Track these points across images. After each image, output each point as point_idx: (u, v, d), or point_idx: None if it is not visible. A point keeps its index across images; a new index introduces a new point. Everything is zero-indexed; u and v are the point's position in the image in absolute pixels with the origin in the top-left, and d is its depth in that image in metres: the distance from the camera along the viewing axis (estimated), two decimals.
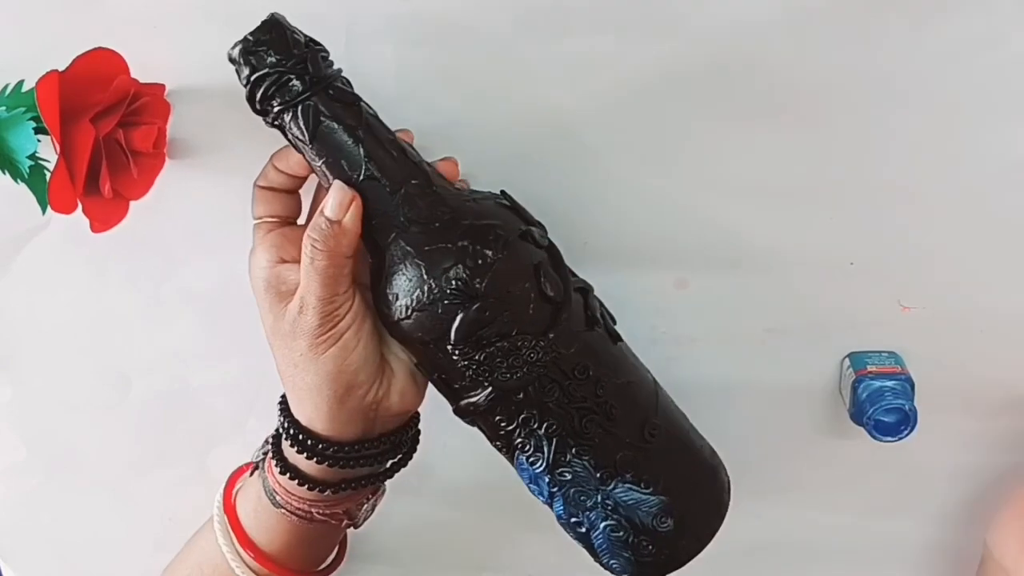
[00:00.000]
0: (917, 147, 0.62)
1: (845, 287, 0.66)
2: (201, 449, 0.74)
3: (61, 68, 0.57)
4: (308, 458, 0.59)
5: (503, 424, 0.57)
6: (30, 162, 0.58)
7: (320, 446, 0.59)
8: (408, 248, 0.55)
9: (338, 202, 0.55)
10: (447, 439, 0.70)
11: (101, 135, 0.57)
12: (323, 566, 0.68)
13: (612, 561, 0.58)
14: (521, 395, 0.56)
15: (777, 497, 0.72)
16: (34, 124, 0.57)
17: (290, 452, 0.60)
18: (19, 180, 0.58)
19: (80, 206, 0.58)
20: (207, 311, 0.70)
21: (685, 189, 0.64)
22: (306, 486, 0.60)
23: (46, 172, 0.58)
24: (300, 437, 0.59)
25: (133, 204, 0.64)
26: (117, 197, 0.60)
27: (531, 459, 0.57)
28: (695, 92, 0.62)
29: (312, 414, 0.58)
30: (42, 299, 0.70)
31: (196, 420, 0.73)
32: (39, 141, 0.58)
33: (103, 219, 0.60)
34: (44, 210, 0.57)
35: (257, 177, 0.60)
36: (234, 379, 0.72)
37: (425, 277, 0.54)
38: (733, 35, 0.60)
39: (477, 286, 0.54)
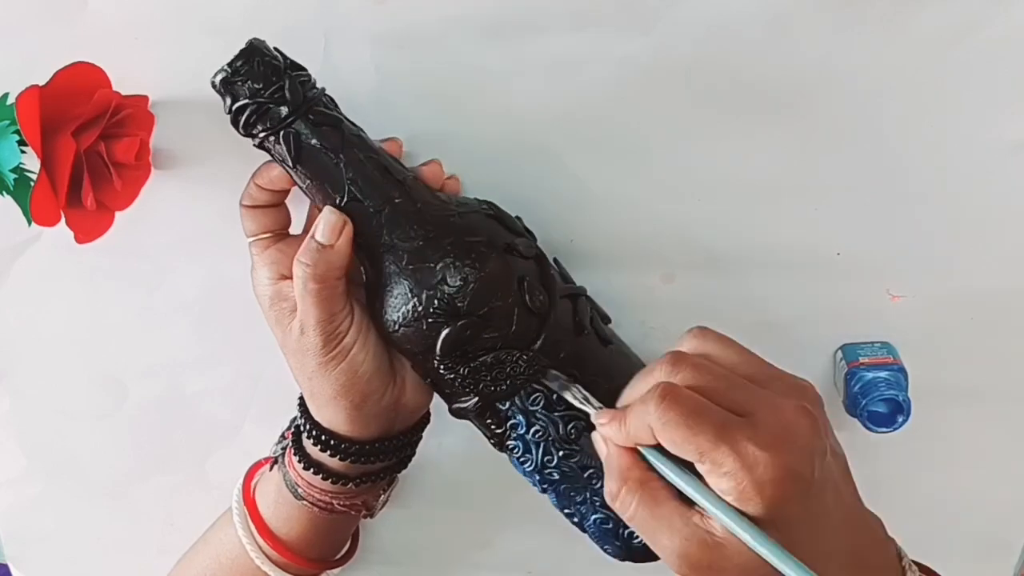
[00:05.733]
0: (898, 136, 0.62)
1: (833, 278, 0.66)
2: (199, 454, 0.74)
3: (43, 82, 0.57)
4: (331, 456, 0.60)
5: (493, 427, 0.59)
6: (14, 175, 0.58)
7: (343, 445, 0.60)
8: (394, 267, 0.56)
9: (330, 226, 0.56)
10: (442, 439, 0.71)
11: (82, 148, 0.58)
12: (339, 555, 0.70)
13: (606, 547, 0.60)
14: (507, 404, 0.57)
15: None
16: (18, 137, 0.58)
17: (312, 449, 0.61)
18: (4, 192, 0.59)
19: (63, 218, 0.58)
20: (199, 318, 0.70)
21: (669, 184, 0.64)
22: (329, 480, 0.62)
23: (31, 184, 0.58)
24: (323, 438, 0.60)
25: (123, 214, 0.65)
26: (101, 208, 0.61)
27: (520, 460, 0.59)
28: (675, 88, 0.62)
29: (333, 419, 0.60)
30: (37, 310, 0.71)
31: (193, 425, 0.74)
32: (24, 153, 0.59)
33: (87, 230, 0.61)
34: (29, 222, 0.58)
35: (241, 196, 0.60)
36: (229, 384, 0.72)
37: (409, 295, 0.56)
38: (710, 31, 0.60)
39: (459, 305, 0.55)
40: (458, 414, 0.59)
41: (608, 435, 0.50)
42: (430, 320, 0.55)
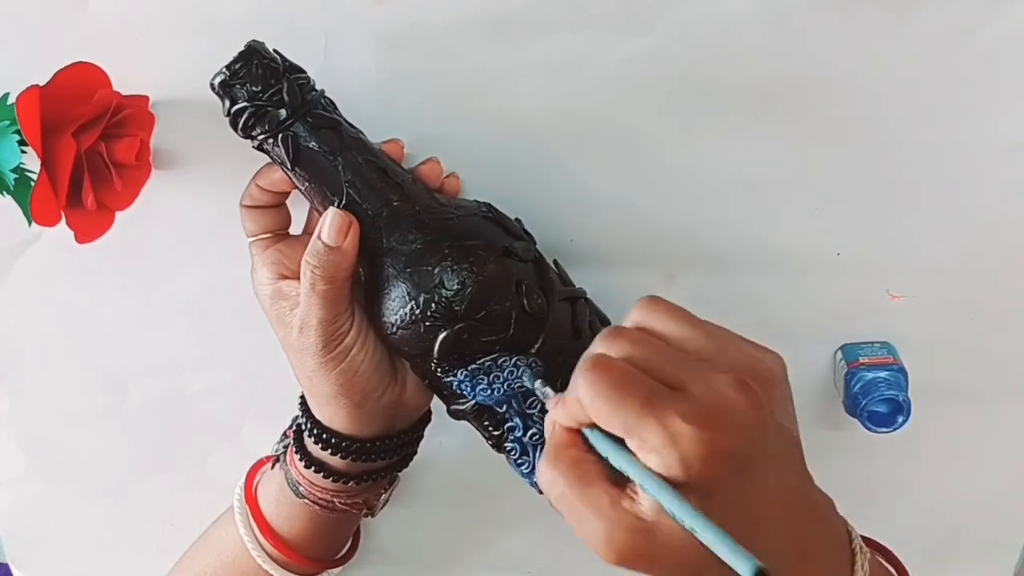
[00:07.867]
0: (898, 136, 0.62)
1: (833, 278, 0.65)
2: (199, 454, 0.75)
3: (43, 82, 0.57)
4: (333, 454, 0.61)
5: (490, 429, 0.59)
6: (15, 175, 0.58)
7: (345, 443, 0.60)
8: (392, 269, 0.56)
9: (336, 227, 0.55)
10: (443, 438, 0.71)
11: (83, 148, 0.58)
12: (340, 554, 0.70)
13: None
14: (504, 407, 0.57)
15: None
16: (18, 137, 0.58)
17: (314, 447, 0.61)
18: (5, 192, 0.59)
19: (64, 218, 0.58)
20: (199, 318, 0.70)
21: (669, 184, 0.64)
22: (331, 478, 0.62)
23: (32, 184, 0.58)
24: (324, 436, 0.60)
25: (123, 214, 0.65)
26: (101, 208, 0.61)
27: (518, 462, 0.58)
28: (676, 88, 0.62)
29: (333, 417, 0.60)
30: (37, 310, 0.71)
31: (193, 425, 0.74)
32: (24, 153, 0.59)
33: (87, 230, 0.61)
34: (29, 223, 0.58)
35: (242, 196, 0.60)
36: (229, 384, 0.72)
37: (407, 298, 0.56)
38: (711, 30, 0.60)
39: (456, 309, 0.55)
40: (456, 415, 0.59)
41: (553, 417, 0.46)
42: (427, 323, 0.55)
